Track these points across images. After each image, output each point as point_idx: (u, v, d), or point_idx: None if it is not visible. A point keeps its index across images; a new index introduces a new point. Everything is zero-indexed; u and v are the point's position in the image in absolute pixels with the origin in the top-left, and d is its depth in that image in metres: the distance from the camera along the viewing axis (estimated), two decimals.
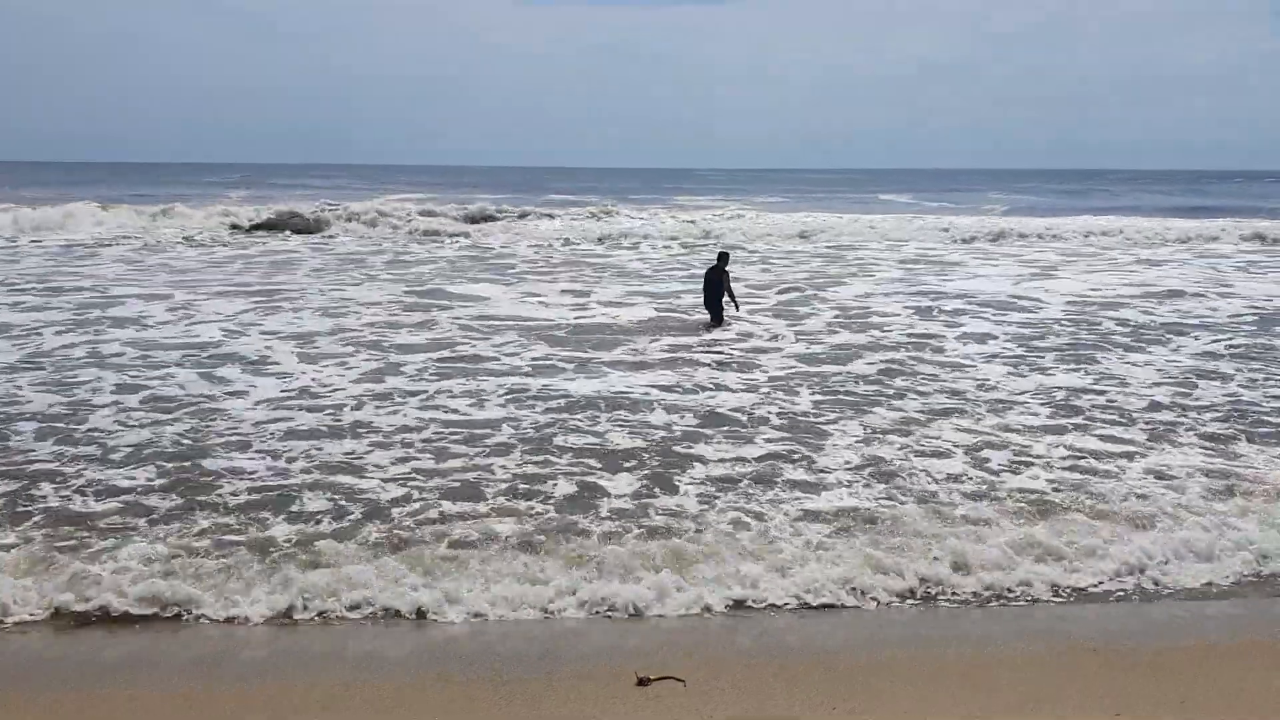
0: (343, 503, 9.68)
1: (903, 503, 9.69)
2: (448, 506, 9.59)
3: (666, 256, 34.71)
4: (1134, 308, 22.21)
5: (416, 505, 9.63)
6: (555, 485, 10.20)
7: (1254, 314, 21.49)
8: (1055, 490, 10.06)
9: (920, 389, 14.22)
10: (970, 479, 10.38)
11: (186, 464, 10.80)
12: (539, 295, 24.07)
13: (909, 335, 18.64)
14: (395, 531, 8.93)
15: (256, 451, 11.30)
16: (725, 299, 20.11)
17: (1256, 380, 14.88)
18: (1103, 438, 11.88)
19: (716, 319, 20.08)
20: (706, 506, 9.60)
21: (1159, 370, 15.45)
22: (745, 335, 18.72)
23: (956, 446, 11.45)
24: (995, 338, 18.31)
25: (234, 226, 41.49)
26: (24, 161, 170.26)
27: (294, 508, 9.57)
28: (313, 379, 14.91)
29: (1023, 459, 11.05)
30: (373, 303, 22.33)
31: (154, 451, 11.27)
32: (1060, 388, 14.24)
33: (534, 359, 16.43)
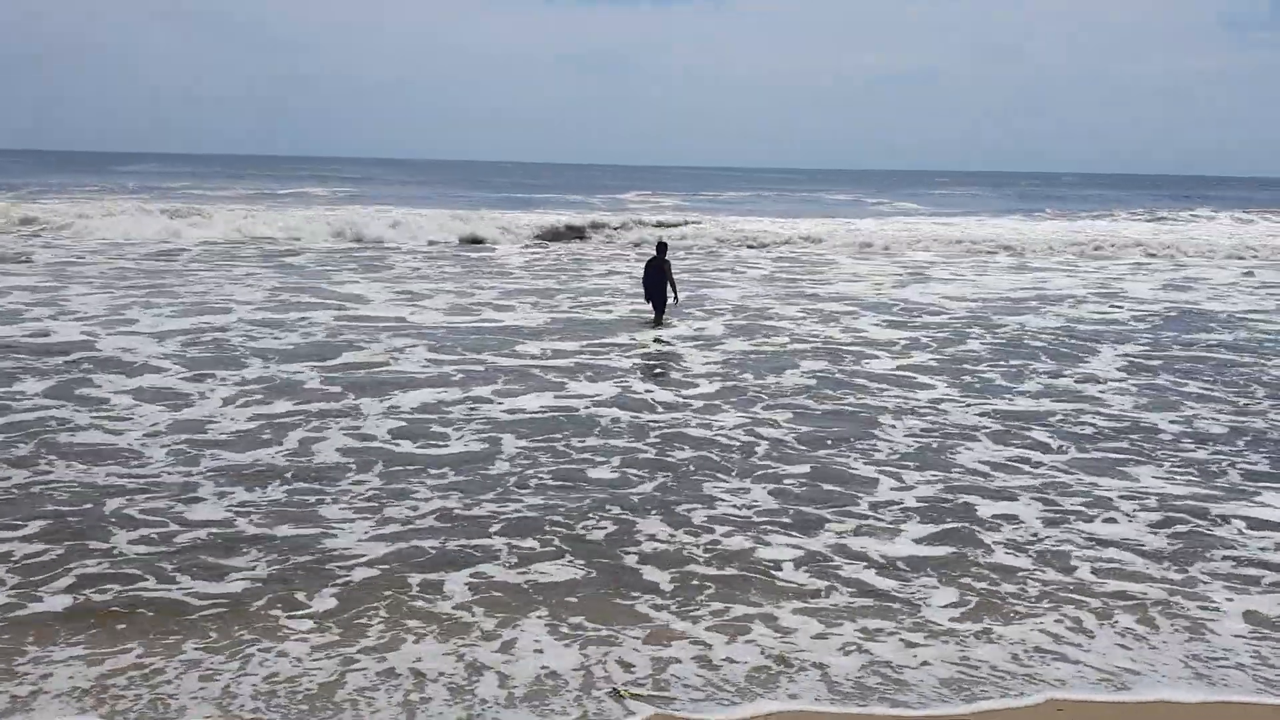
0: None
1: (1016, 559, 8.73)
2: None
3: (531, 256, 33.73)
4: (1029, 312, 22.45)
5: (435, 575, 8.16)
6: (591, 528, 8.92)
7: (1154, 317, 22.02)
8: (1199, 547, 8.96)
9: (885, 406, 13.55)
10: (1071, 531, 9.27)
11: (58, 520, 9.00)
12: (415, 298, 22.66)
13: (821, 343, 18.18)
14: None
15: (160, 509, 9.52)
16: (669, 290, 19.97)
17: (1251, 405, 14.23)
18: (1162, 478, 10.83)
19: (659, 313, 19.88)
20: (799, 566, 8.40)
21: (1120, 389, 14.95)
22: (632, 341, 17.97)
23: (1006, 486, 10.46)
24: (920, 347, 17.87)
25: None
26: None
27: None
28: (202, 394, 13.27)
29: (1102, 505, 9.92)
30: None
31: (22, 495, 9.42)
32: (1045, 412, 13.46)
33: (433, 366, 15.30)
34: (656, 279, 19.93)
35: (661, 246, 20.47)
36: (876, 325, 20.17)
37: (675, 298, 20.09)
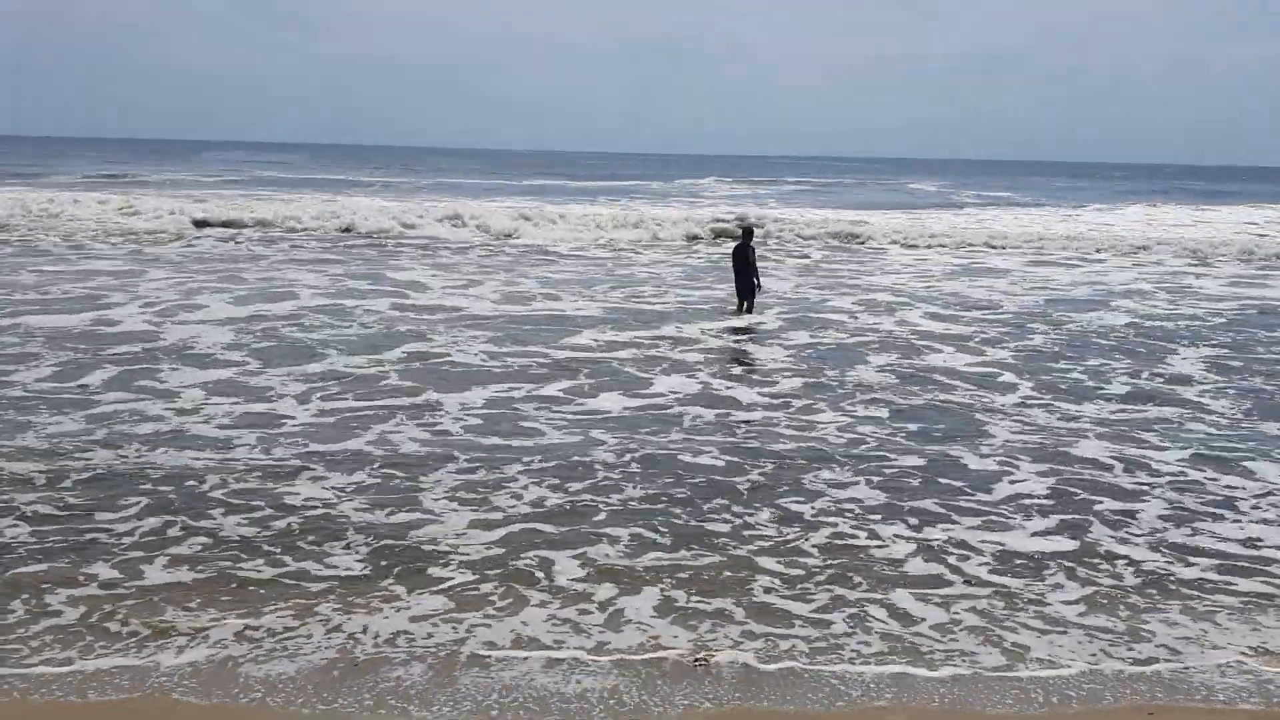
0: None
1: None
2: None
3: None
4: (1088, 306, 22.36)
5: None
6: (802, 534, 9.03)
7: (1224, 315, 21.59)
8: None
9: (973, 404, 13.61)
10: (1199, 530, 9.31)
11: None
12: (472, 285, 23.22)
13: (881, 335, 18.43)
14: None
15: (256, 491, 9.80)
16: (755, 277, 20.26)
17: None
18: None
19: (749, 301, 20.18)
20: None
21: (1216, 391, 14.72)
22: (681, 334, 18.04)
23: (1127, 483, 10.52)
24: (991, 343, 17.81)
25: None
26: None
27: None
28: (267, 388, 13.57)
29: (1229, 505, 9.96)
30: None
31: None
32: (1149, 415, 13.27)
33: (500, 358, 15.56)
34: (742, 265, 20.18)
35: (748, 232, 20.76)
36: (929, 319, 20.31)
37: (759, 284, 20.35)
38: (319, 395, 13.03)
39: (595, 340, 17.03)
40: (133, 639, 6.76)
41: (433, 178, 77.21)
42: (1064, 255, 34.34)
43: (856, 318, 20.13)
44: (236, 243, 31.18)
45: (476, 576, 7.84)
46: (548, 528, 8.86)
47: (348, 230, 35.16)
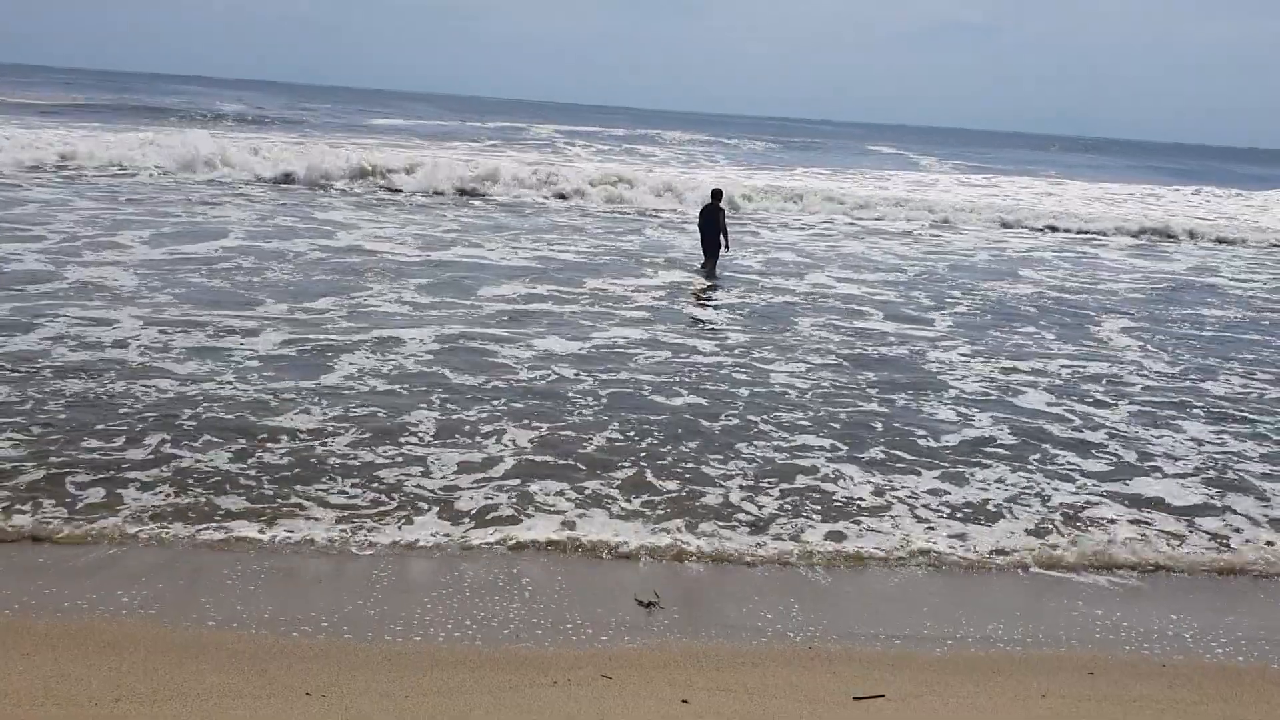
0: None
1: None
2: None
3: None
4: (995, 274, 23.47)
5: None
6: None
7: (1136, 291, 22.79)
8: None
9: (917, 363, 14.44)
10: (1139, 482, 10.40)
11: None
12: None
13: (802, 296, 19.06)
14: None
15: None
16: (721, 239, 20.96)
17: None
18: (1242, 438, 11.98)
19: (713, 261, 20.88)
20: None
21: (1153, 358, 15.76)
22: (617, 293, 18.37)
23: (1082, 437, 11.57)
24: (928, 310, 18.57)
25: None
26: None
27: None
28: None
29: (1164, 458, 11.12)
30: None
31: None
32: (1093, 374, 14.40)
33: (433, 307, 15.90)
34: (711, 226, 20.97)
35: (716, 194, 21.56)
36: (854, 283, 21.00)
37: (726, 245, 21.18)
38: (271, 331, 13.33)
39: (520, 292, 17.39)
40: (100, 557, 7.28)
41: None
42: (966, 221, 35.10)
43: (769, 278, 20.87)
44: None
45: (475, 505, 8.59)
46: (539, 462, 9.58)
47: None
